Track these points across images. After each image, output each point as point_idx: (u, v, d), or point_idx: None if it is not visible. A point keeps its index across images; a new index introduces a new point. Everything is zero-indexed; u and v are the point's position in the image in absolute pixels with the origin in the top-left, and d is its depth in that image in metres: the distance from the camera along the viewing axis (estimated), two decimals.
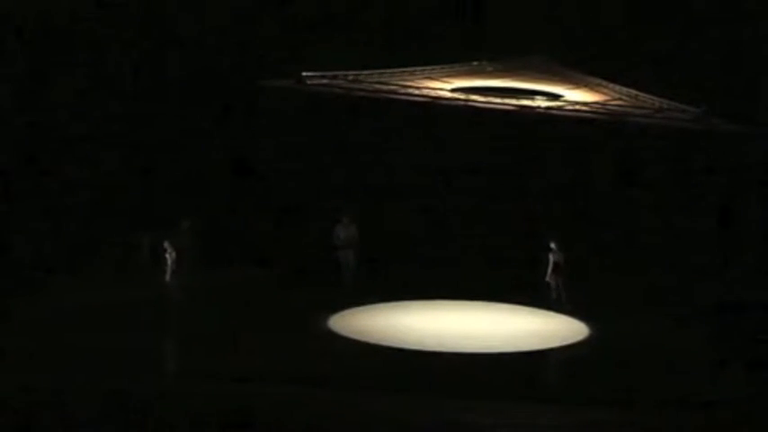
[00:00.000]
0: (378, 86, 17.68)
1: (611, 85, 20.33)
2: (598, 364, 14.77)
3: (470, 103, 17.87)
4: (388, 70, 18.56)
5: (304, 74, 17.00)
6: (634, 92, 20.01)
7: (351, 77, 17.64)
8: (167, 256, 17.36)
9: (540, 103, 18.54)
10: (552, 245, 18.17)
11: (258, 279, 20.47)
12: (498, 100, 18.06)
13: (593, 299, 18.15)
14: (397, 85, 17.93)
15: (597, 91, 20.25)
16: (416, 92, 17.92)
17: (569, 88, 20.18)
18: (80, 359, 13.81)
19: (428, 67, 19.38)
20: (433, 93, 18.09)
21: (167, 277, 17.38)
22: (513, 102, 18.27)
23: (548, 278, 18.15)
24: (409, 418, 11.98)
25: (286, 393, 12.70)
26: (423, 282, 19.67)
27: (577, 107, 18.42)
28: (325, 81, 17.24)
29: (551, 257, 18.12)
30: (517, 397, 12.94)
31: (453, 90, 18.76)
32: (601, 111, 18.56)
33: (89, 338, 15.04)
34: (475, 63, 20.37)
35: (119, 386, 12.57)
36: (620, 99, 19.84)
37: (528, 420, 12.12)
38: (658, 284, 19.43)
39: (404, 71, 18.88)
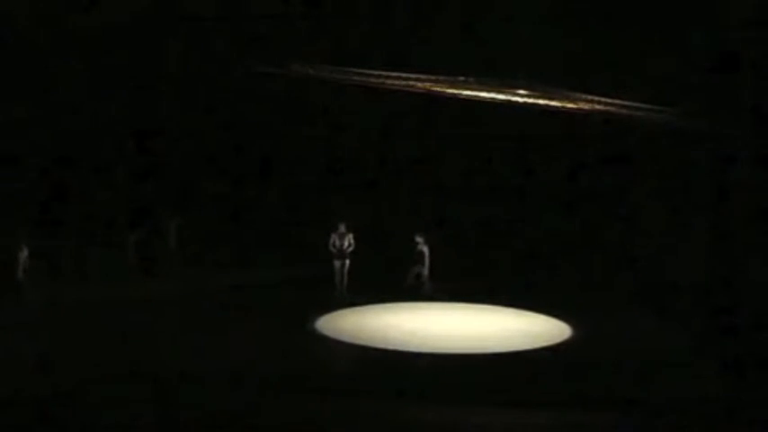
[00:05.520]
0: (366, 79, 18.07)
1: (593, 97, 20.79)
2: (585, 364, 14.49)
3: (458, 96, 18.24)
4: (376, 71, 18.98)
5: (293, 63, 17.34)
6: (618, 101, 20.46)
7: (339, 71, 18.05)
8: (20, 255, 17.23)
9: (527, 99, 18.94)
10: (418, 239, 19.02)
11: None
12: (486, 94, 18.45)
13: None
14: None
15: (581, 103, 20.71)
16: (404, 84, 18.31)
17: (556, 102, 20.68)
18: None
19: (413, 75, 19.78)
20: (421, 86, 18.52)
21: (19, 275, 17.27)
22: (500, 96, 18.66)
23: (425, 271, 18.91)
24: (400, 418, 11.82)
25: (270, 396, 12.47)
26: None
27: (562, 103, 18.79)
28: (311, 71, 17.60)
29: (423, 250, 18.94)
30: (509, 397, 12.63)
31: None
32: (585, 108, 18.90)
33: None
34: (461, 78, 20.82)
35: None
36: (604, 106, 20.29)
37: (521, 420, 11.92)
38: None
39: (390, 75, 19.27)
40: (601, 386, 13.04)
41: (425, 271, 19.05)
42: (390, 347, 15.06)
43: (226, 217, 22.75)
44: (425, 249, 19.06)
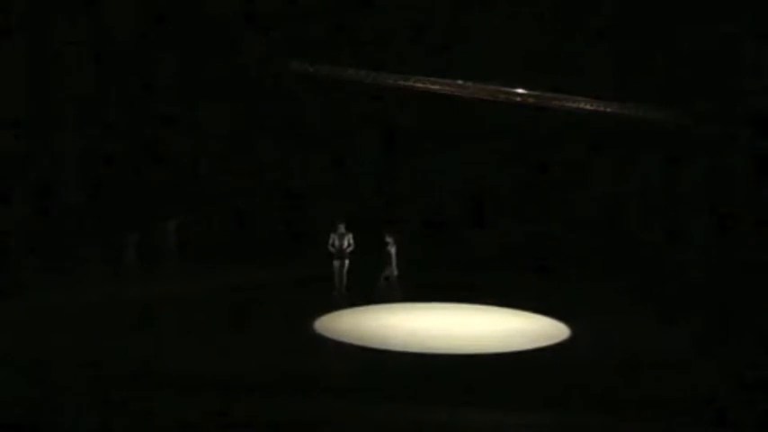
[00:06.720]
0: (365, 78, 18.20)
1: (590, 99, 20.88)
2: (584, 364, 14.48)
3: (457, 92, 18.31)
4: (375, 71, 19.07)
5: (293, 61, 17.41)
6: (616, 102, 20.55)
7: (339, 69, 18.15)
8: None
9: (527, 98, 19.01)
10: (388, 239, 18.86)
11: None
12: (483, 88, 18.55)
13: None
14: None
15: (577, 104, 20.80)
16: (406, 83, 18.44)
17: (553, 103, 20.76)
18: None
19: (413, 77, 19.85)
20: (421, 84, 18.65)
21: None
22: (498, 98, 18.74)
23: (395, 271, 18.80)
24: (398, 419, 11.76)
25: (269, 396, 12.44)
26: None
27: (559, 104, 18.87)
28: (311, 70, 17.69)
29: (392, 251, 18.82)
30: (509, 397, 12.62)
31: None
32: (581, 106, 19.01)
33: None
34: (459, 82, 20.89)
35: None
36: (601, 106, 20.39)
37: (520, 420, 11.86)
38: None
39: (389, 75, 19.37)
40: (600, 386, 13.03)
41: (395, 272, 18.94)
42: (389, 348, 15.04)
43: (226, 217, 22.79)
44: (393, 250, 18.92)
